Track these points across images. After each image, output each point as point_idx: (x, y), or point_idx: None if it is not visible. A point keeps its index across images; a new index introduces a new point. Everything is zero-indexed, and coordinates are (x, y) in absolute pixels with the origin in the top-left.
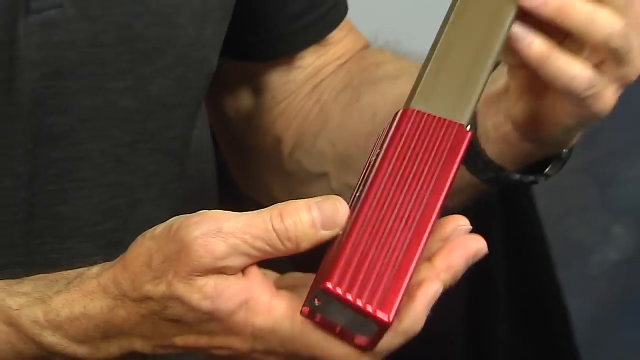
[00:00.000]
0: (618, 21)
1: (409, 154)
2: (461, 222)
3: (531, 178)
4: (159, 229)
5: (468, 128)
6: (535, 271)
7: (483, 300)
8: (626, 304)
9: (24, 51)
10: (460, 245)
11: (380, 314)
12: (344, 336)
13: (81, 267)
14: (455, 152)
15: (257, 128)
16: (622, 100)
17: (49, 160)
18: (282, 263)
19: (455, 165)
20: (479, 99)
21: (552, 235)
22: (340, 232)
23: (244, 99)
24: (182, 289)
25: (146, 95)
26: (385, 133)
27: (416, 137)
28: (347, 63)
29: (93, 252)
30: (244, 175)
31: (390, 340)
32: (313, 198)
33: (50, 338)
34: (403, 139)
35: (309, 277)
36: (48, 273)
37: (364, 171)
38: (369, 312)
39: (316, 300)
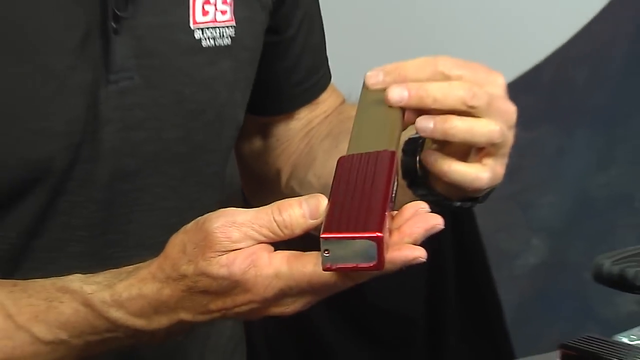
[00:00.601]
0: (494, 126)
1: (353, 181)
2: (422, 206)
3: (469, 204)
4: (190, 225)
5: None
6: (476, 271)
7: (438, 291)
8: (542, 296)
9: (104, 111)
10: (422, 219)
11: (370, 233)
12: (360, 269)
13: None
14: (388, 168)
15: (264, 162)
16: (538, 145)
17: (121, 191)
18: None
19: (389, 178)
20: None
21: (488, 245)
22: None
23: (256, 141)
24: (206, 265)
25: (193, 143)
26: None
27: (355, 169)
28: (330, 116)
29: (150, 258)
30: (254, 197)
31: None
32: (302, 196)
33: (115, 314)
34: (345, 174)
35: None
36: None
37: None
38: (362, 236)
39: (325, 252)
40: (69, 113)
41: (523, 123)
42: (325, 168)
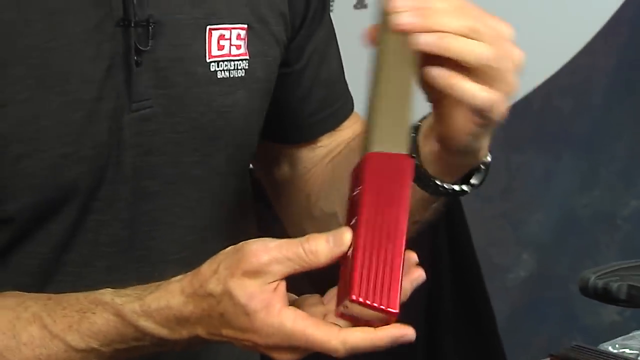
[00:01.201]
0: (487, 48)
1: (382, 187)
2: (412, 256)
3: (463, 187)
4: (228, 248)
5: (410, 154)
6: (470, 284)
7: (436, 301)
8: (532, 307)
9: (127, 137)
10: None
11: (391, 309)
12: (368, 325)
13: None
14: (405, 176)
15: (294, 189)
16: (527, 167)
17: (144, 211)
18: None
19: (408, 189)
20: (410, 127)
21: (482, 260)
22: (349, 254)
23: (284, 168)
24: (232, 285)
25: (209, 167)
26: (356, 174)
27: (378, 172)
28: (353, 141)
29: (174, 273)
30: (290, 224)
31: None
32: (330, 232)
33: (144, 323)
34: (371, 177)
35: (316, 297)
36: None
37: (348, 203)
38: (383, 309)
39: (343, 307)
40: (95, 139)
41: (514, 147)
42: (345, 187)
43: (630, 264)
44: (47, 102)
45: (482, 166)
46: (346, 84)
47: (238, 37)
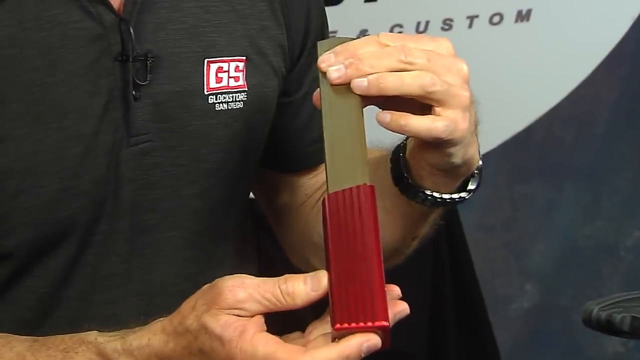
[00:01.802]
0: (424, 74)
1: (344, 221)
2: (394, 290)
3: (461, 195)
4: (205, 286)
5: (366, 183)
6: (474, 314)
7: (439, 331)
8: (535, 337)
9: (125, 171)
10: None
11: (378, 322)
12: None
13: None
14: (366, 202)
15: (296, 216)
16: (530, 198)
17: (143, 244)
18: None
19: (373, 212)
20: (366, 161)
21: (485, 290)
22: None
23: (285, 196)
24: (208, 320)
25: (209, 199)
26: (323, 219)
27: (338, 209)
28: None
29: (174, 305)
30: (292, 252)
31: None
32: (307, 273)
33: None
34: (332, 216)
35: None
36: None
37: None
38: (370, 325)
39: (336, 340)
40: (93, 173)
41: (516, 178)
42: None
43: (634, 295)
44: (45, 137)
45: (475, 171)
46: None
47: (236, 69)
